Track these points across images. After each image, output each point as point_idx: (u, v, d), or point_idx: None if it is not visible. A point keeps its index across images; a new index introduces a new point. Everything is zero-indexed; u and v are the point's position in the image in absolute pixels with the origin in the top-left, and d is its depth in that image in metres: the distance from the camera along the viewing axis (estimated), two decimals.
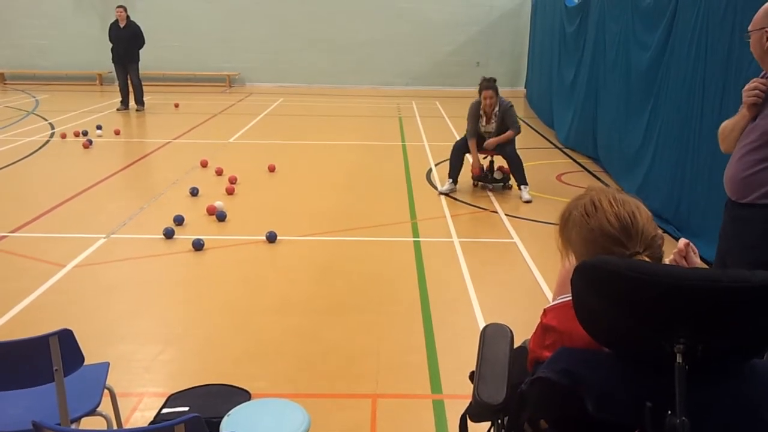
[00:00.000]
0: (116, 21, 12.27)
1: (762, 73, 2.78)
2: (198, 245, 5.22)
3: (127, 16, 12.29)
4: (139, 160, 8.63)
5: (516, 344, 1.94)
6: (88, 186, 7.10)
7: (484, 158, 7.17)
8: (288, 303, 4.32)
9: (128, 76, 12.38)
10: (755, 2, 2.84)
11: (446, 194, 6.88)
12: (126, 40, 12.17)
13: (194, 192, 6.77)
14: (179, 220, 5.79)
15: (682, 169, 5.59)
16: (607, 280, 1.34)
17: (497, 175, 7.13)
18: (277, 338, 3.84)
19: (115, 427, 2.60)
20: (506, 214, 6.30)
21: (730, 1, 4.78)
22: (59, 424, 2.18)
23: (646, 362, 1.40)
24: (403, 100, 14.78)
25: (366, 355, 3.65)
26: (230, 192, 6.86)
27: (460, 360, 3.54)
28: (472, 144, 6.91)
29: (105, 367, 2.57)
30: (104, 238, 5.47)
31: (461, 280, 4.70)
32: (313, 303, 4.32)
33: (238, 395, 2.85)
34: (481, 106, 6.84)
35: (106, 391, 2.49)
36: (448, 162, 7.13)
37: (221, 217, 5.97)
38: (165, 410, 2.73)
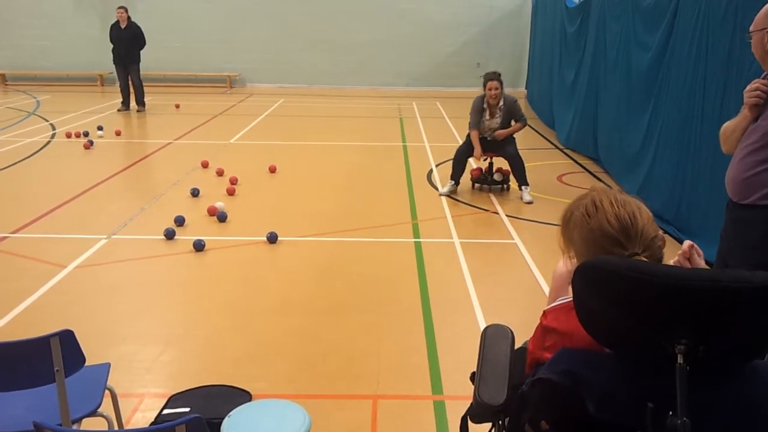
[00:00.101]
0: (117, 22, 12.28)
1: (763, 74, 2.78)
2: (199, 246, 5.22)
3: (128, 17, 12.30)
4: (140, 160, 8.63)
5: (517, 345, 1.94)
6: (89, 187, 7.11)
7: (484, 160, 7.14)
8: (288, 304, 4.32)
9: (129, 77, 12.39)
10: (756, 3, 2.85)
11: (447, 195, 6.87)
12: (127, 41, 12.18)
13: (195, 193, 6.77)
14: (180, 221, 5.79)
15: (683, 170, 5.59)
16: (606, 280, 1.34)
17: (497, 177, 7.11)
18: (277, 339, 3.84)
19: (116, 428, 2.60)
20: (507, 215, 6.30)
21: (731, 1, 4.77)
22: (60, 425, 2.18)
23: (647, 363, 1.40)
24: (403, 101, 14.79)
25: (366, 355, 3.65)
26: (231, 193, 6.86)
27: (460, 361, 3.54)
28: (474, 134, 6.84)
29: (106, 367, 2.57)
30: (105, 238, 5.48)
31: (462, 281, 4.70)
32: (314, 304, 4.32)
33: (239, 396, 2.84)
34: (486, 98, 6.80)
35: (107, 391, 2.49)
36: (448, 163, 7.13)
37: (222, 217, 5.97)
38: (166, 411, 2.73)
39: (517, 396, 1.60)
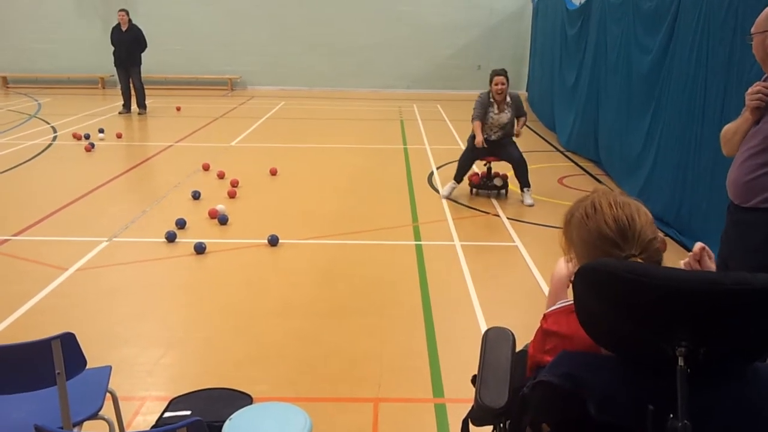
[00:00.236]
0: (118, 24, 12.30)
1: (764, 76, 2.78)
2: (200, 249, 5.22)
3: (129, 20, 12.32)
4: (141, 163, 8.64)
5: (518, 348, 1.94)
6: (91, 189, 7.11)
7: (485, 165, 7.10)
8: (290, 306, 4.32)
9: (130, 80, 12.41)
10: (756, 5, 2.85)
11: (449, 197, 6.84)
12: (128, 44, 12.20)
13: (196, 195, 6.77)
14: (181, 224, 5.80)
15: (684, 172, 5.59)
16: (606, 282, 1.35)
17: (497, 182, 7.05)
18: (278, 342, 3.84)
19: (117, 431, 2.60)
20: (508, 218, 6.30)
21: (731, 3, 4.78)
22: (61, 428, 2.18)
23: (647, 365, 1.40)
24: (404, 103, 14.80)
25: (368, 358, 3.65)
26: (232, 195, 6.87)
27: (461, 364, 3.53)
28: (477, 124, 6.76)
29: (107, 370, 2.57)
30: (106, 241, 5.48)
31: (463, 284, 4.70)
32: (315, 306, 4.32)
33: (240, 399, 2.85)
34: (492, 94, 6.78)
35: (108, 394, 2.49)
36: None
37: (223, 220, 5.97)
38: (167, 414, 2.73)
39: (518, 399, 1.60)
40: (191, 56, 16.79)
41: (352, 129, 11.49)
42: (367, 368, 3.55)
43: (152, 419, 2.93)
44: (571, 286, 1.45)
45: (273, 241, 5.41)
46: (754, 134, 2.75)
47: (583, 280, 1.39)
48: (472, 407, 1.77)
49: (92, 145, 9.24)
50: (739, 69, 4.59)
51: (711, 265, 1.71)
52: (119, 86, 12.72)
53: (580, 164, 8.72)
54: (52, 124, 11.19)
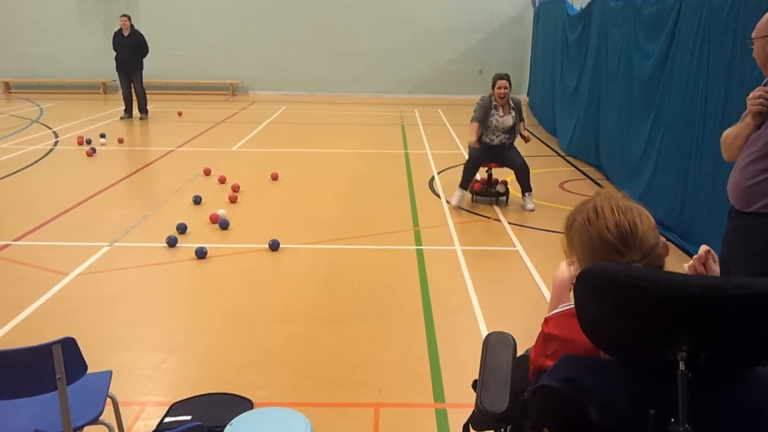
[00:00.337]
0: (120, 30, 12.33)
1: (765, 81, 2.78)
2: (201, 253, 5.22)
3: (131, 25, 12.35)
4: (143, 168, 8.65)
5: (519, 352, 1.94)
6: (92, 194, 7.12)
7: (486, 171, 7.08)
8: (290, 311, 4.32)
9: (132, 85, 12.43)
10: (757, 9, 2.86)
11: (459, 205, 6.72)
12: (130, 49, 12.23)
13: (197, 200, 6.78)
14: (182, 229, 5.80)
15: (685, 177, 5.59)
16: (607, 287, 1.34)
17: (500, 188, 7.02)
18: (279, 346, 3.84)
19: None
20: (509, 223, 6.30)
21: (732, 8, 4.79)
22: None
23: (648, 370, 1.40)
24: (405, 108, 14.81)
25: (368, 363, 3.65)
26: (233, 200, 6.87)
27: (462, 369, 3.52)
28: (475, 125, 6.75)
29: (108, 375, 2.57)
30: (107, 246, 5.48)
31: (464, 289, 4.70)
32: (316, 311, 4.32)
33: (241, 404, 2.85)
34: (494, 97, 6.78)
35: (108, 399, 2.49)
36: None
37: (224, 225, 5.97)
38: (167, 419, 2.73)
39: (519, 404, 1.60)
40: (193, 61, 16.82)
41: (353, 134, 11.50)
42: (367, 373, 3.55)
43: (153, 424, 2.93)
44: (572, 289, 1.45)
45: (274, 246, 5.41)
46: (755, 139, 2.75)
47: (584, 285, 1.39)
48: (473, 412, 1.77)
49: (94, 150, 9.26)
50: (740, 74, 4.59)
51: (716, 269, 1.70)
52: (121, 91, 12.74)
53: (581, 169, 8.72)
54: (53, 129, 11.21)
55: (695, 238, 5.20)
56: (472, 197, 7.05)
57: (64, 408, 2.16)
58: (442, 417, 3.17)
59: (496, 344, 1.91)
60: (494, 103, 6.73)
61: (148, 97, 12.76)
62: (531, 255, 5.37)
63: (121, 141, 10.21)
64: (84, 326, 4.03)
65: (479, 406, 1.71)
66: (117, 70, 12.50)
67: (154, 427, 2.80)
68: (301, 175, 8.21)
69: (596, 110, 8.59)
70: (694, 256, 1.71)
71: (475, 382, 1.85)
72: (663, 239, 1.57)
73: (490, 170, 7.03)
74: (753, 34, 2.74)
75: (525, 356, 1.94)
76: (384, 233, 5.95)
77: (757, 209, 2.72)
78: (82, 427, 2.32)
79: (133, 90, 12.48)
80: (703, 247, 1.71)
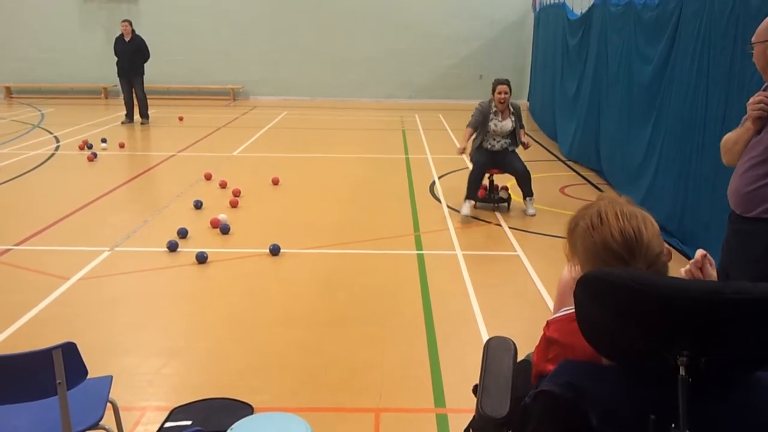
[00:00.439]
0: (121, 35, 12.36)
1: (765, 85, 2.79)
2: (201, 258, 5.22)
3: (132, 30, 12.39)
4: (144, 173, 8.66)
5: (520, 357, 1.93)
6: (93, 199, 7.13)
7: (488, 178, 7.06)
8: (291, 316, 4.32)
9: (133, 90, 12.46)
10: (757, 14, 2.86)
11: (469, 214, 6.59)
12: (131, 54, 12.26)
13: (198, 205, 6.78)
14: (183, 233, 5.80)
15: (685, 182, 5.59)
16: (608, 291, 1.34)
17: (503, 194, 6.98)
18: (280, 351, 3.83)
19: None
20: (510, 227, 6.30)
21: (732, 13, 4.79)
22: None
23: (649, 375, 1.39)
24: (406, 113, 14.83)
25: (369, 368, 3.65)
26: (234, 205, 6.87)
27: (463, 373, 3.52)
28: (468, 131, 6.76)
29: (108, 380, 2.57)
30: (108, 251, 5.49)
31: (465, 293, 4.70)
32: (317, 316, 4.32)
33: (241, 409, 2.85)
34: (494, 102, 6.77)
35: (109, 404, 2.49)
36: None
37: (225, 230, 5.98)
38: (168, 424, 2.73)
39: (519, 408, 1.60)
40: (194, 66, 16.85)
41: (353, 138, 11.51)
42: (368, 378, 3.54)
43: (153, 429, 2.92)
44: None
45: (274, 251, 5.41)
46: (755, 144, 2.75)
47: (584, 289, 1.39)
48: (474, 417, 1.76)
49: (95, 155, 9.27)
50: (740, 78, 4.60)
51: (712, 273, 1.69)
52: (122, 96, 12.77)
53: (582, 174, 8.72)
54: (54, 134, 11.23)
55: (696, 242, 5.19)
56: (474, 204, 7.04)
57: (64, 413, 2.16)
58: (442, 422, 3.16)
59: (496, 349, 1.91)
60: (494, 108, 6.73)
61: (149, 101, 12.78)
62: (532, 259, 5.36)
63: (122, 146, 10.22)
64: (84, 331, 4.03)
65: (480, 411, 1.71)
66: (118, 75, 12.53)
67: None
68: (302, 179, 8.22)
69: (597, 115, 8.60)
70: (691, 261, 1.71)
71: (475, 386, 1.85)
72: (666, 245, 1.56)
73: (491, 177, 7.03)
74: (753, 39, 2.74)
75: (526, 361, 1.94)
76: (385, 238, 5.95)
77: (758, 214, 2.72)
78: None
79: (134, 95, 12.50)
80: (700, 252, 1.70)
